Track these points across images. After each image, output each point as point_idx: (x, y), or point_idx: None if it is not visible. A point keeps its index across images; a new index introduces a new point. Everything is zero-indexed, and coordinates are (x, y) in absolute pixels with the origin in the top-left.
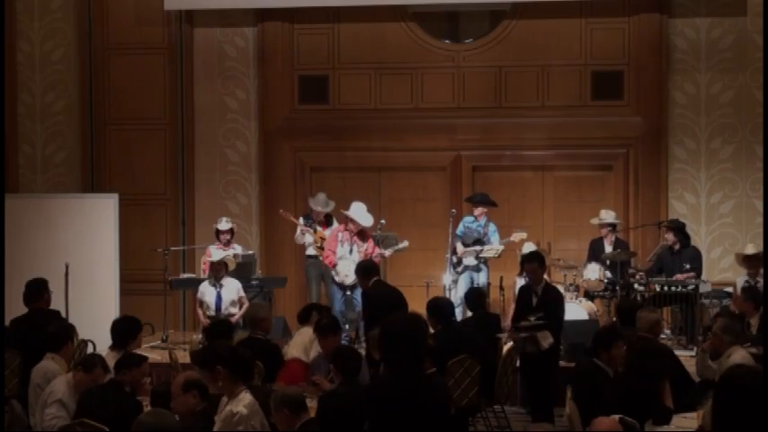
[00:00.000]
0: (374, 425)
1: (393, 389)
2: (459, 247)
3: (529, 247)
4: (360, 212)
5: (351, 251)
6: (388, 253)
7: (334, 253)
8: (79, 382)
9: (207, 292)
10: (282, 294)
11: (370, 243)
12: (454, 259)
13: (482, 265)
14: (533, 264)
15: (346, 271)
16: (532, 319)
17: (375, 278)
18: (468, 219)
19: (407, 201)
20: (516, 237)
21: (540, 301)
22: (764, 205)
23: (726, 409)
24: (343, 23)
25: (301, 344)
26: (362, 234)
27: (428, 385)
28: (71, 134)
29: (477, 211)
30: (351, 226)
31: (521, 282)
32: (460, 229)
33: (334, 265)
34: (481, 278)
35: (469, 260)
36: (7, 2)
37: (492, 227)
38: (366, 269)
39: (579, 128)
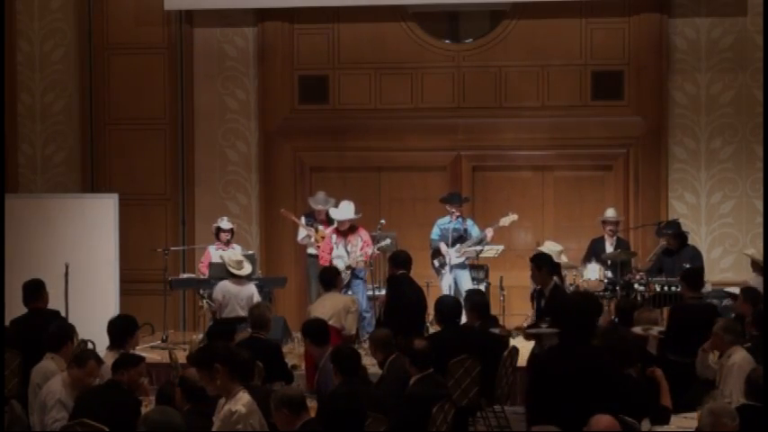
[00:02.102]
0: (540, 393)
1: (563, 360)
2: (444, 248)
3: (551, 247)
4: (339, 210)
5: (347, 251)
6: (372, 251)
7: (328, 254)
8: (75, 379)
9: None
10: (282, 294)
11: (366, 237)
12: (436, 263)
13: (466, 263)
14: (531, 265)
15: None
16: (544, 326)
17: (401, 271)
18: (442, 221)
19: (407, 201)
20: (506, 221)
21: (547, 304)
22: (764, 205)
23: None
24: (343, 23)
25: (333, 310)
26: (353, 231)
27: (593, 356)
28: (71, 134)
29: (457, 211)
30: (339, 226)
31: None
32: (436, 232)
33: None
34: (465, 276)
35: (459, 259)
36: (7, 2)
37: (470, 222)
38: (395, 259)
39: (579, 128)
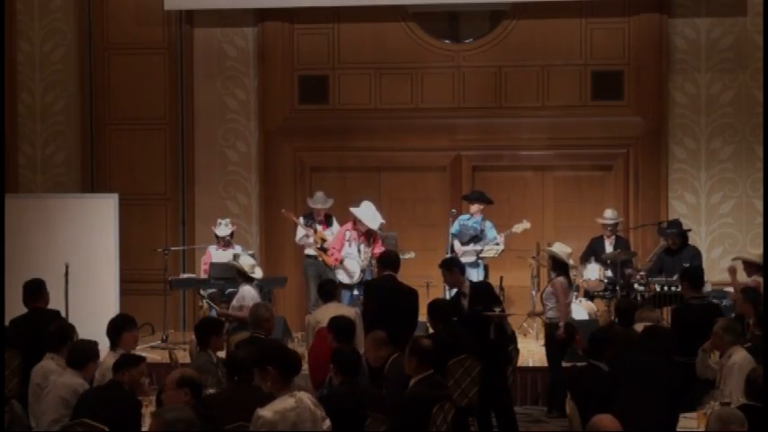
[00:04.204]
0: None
1: None
2: (457, 246)
3: (561, 248)
4: (367, 214)
5: (359, 250)
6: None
7: (339, 251)
8: (90, 374)
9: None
10: (282, 294)
11: (378, 244)
12: None
13: (479, 261)
14: (442, 270)
15: (352, 269)
16: (497, 310)
17: (387, 272)
18: (463, 217)
19: (407, 201)
20: (519, 228)
21: (470, 303)
22: (764, 205)
23: None
24: (343, 23)
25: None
26: (369, 235)
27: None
28: (71, 134)
29: (474, 208)
30: (359, 225)
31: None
32: (456, 227)
33: (340, 262)
34: (478, 276)
35: (467, 257)
36: (7, 2)
37: (488, 224)
38: (381, 259)
39: (579, 128)
